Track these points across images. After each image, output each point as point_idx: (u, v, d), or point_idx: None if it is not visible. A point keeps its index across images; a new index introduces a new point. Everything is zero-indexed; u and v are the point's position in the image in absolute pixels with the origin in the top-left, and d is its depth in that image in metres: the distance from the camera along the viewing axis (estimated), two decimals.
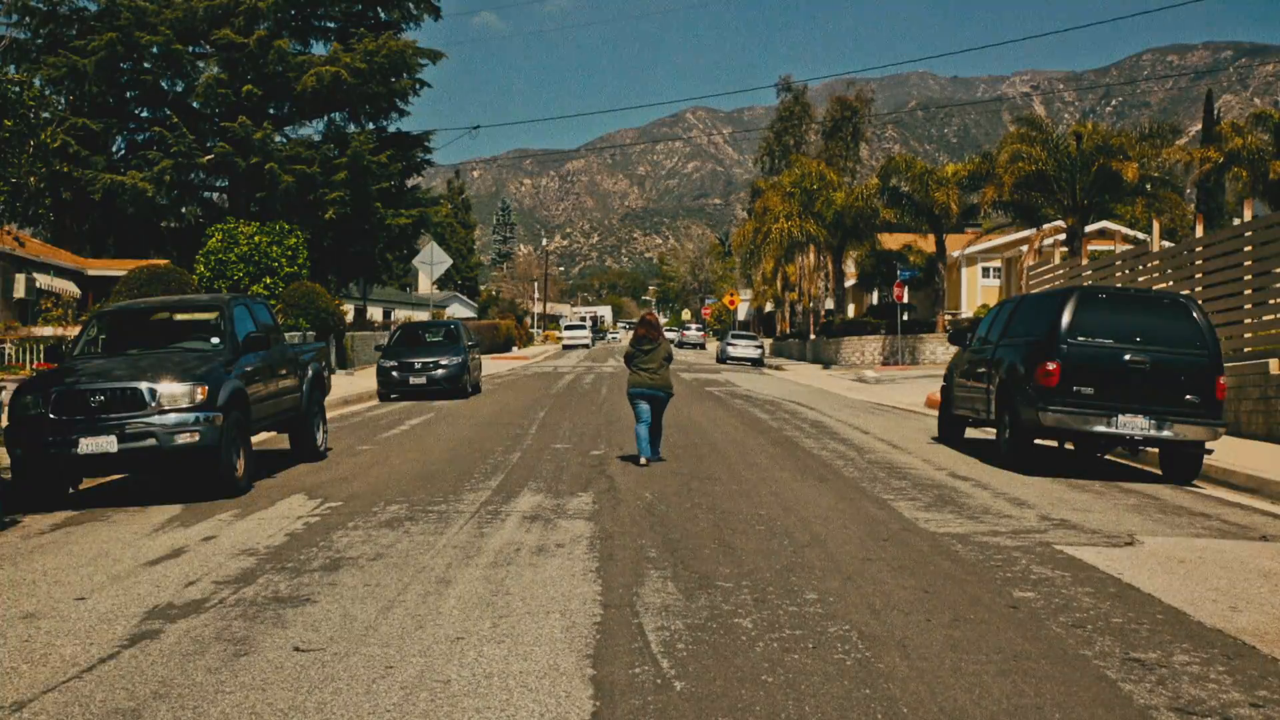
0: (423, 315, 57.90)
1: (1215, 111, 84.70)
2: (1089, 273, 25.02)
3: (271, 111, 40.96)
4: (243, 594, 6.75)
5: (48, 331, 25.40)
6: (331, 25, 43.28)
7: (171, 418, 10.26)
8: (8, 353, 23.45)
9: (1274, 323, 16.94)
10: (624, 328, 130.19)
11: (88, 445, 10.09)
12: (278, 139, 40.60)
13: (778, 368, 47.63)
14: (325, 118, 42.96)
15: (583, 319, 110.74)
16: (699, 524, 8.99)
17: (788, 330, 70.35)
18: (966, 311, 56.78)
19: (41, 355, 23.48)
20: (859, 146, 74.36)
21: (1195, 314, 12.43)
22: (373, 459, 13.55)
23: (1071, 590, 6.85)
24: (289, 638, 5.78)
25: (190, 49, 39.78)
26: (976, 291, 60.65)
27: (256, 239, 30.70)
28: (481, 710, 4.70)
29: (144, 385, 10.34)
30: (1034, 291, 22.98)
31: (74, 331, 24.17)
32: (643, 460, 12.59)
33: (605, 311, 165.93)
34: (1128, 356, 12.16)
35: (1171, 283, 19.76)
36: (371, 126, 42.70)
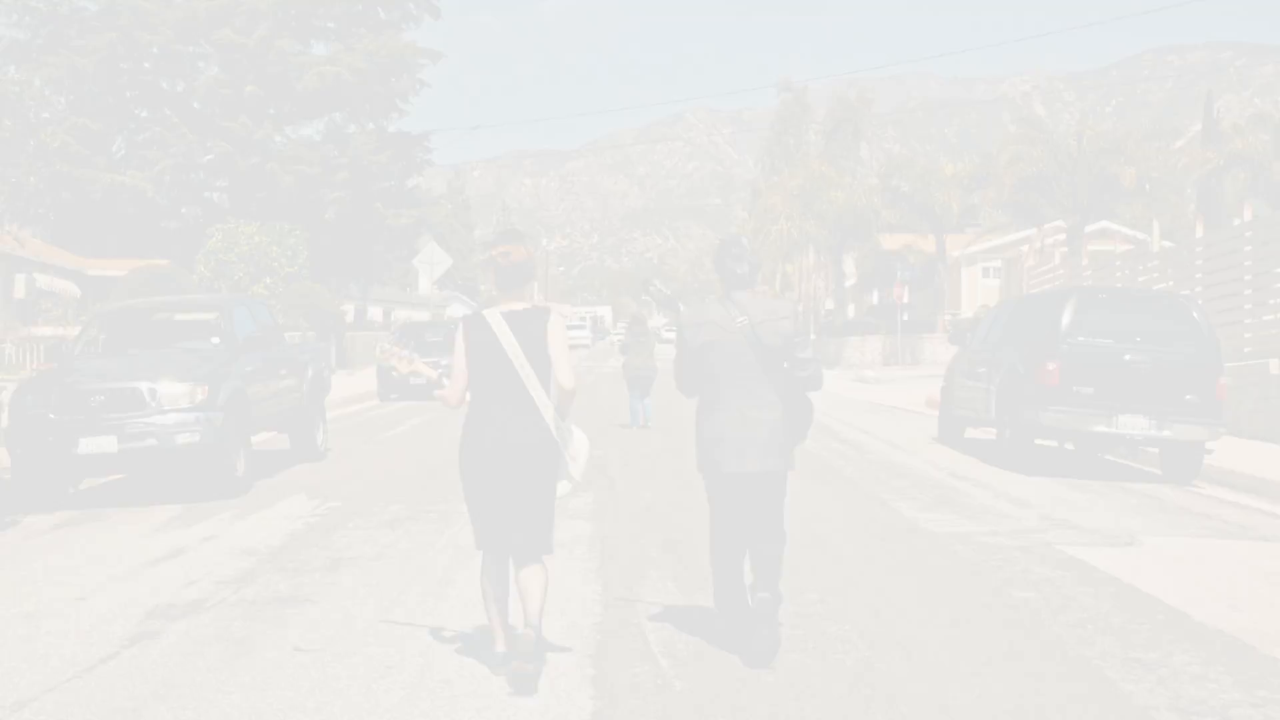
0: (423, 315, 57.83)
1: (1215, 111, 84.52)
2: (1089, 273, 25.03)
3: (272, 111, 40.93)
4: (243, 594, 6.75)
5: (48, 331, 25.38)
6: (332, 25, 43.25)
7: (172, 417, 10.25)
8: (8, 353, 23.43)
9: (1274, 323, 16.93)
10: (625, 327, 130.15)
11: (88, 445, 10.08)
12: (278, 139, 40.62)
13: None
14: (326, 117, 42.97)
15: (583, 319, 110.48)
16: (699, 524, 8.98)
17: None
18: (967, 311, 56.61)
19: (41, 355, 23.46)
20: (859, 146, 74.28)
21: (1195, 314, 12.43)
22: (373, 459, 13.55)
23: (1071, 590, 6.85)
24: (289, 638, 5.78)
25: (191, 49, 39.79)
26: (976, 291, 60.52)
27: (257, 239, 30.69)
28: (482, 710, 4.70)
29: (144, 385, 10.34)
30: (1034, 291, 22.98)
31: (74, 331, 24.14)
32: (640, 420, 16.71)
33: (606, 311, 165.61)
34: (1128, 356, 12.15)
35: (1172, 283, 19.75)
36: (372, 126, 42.70)
